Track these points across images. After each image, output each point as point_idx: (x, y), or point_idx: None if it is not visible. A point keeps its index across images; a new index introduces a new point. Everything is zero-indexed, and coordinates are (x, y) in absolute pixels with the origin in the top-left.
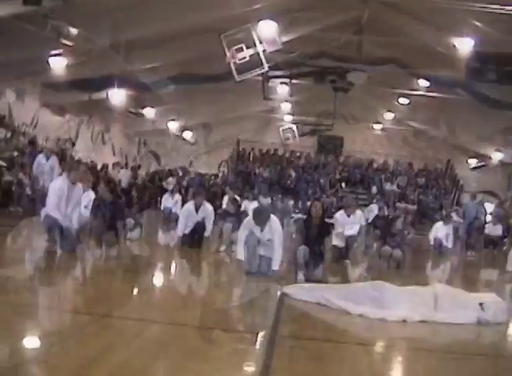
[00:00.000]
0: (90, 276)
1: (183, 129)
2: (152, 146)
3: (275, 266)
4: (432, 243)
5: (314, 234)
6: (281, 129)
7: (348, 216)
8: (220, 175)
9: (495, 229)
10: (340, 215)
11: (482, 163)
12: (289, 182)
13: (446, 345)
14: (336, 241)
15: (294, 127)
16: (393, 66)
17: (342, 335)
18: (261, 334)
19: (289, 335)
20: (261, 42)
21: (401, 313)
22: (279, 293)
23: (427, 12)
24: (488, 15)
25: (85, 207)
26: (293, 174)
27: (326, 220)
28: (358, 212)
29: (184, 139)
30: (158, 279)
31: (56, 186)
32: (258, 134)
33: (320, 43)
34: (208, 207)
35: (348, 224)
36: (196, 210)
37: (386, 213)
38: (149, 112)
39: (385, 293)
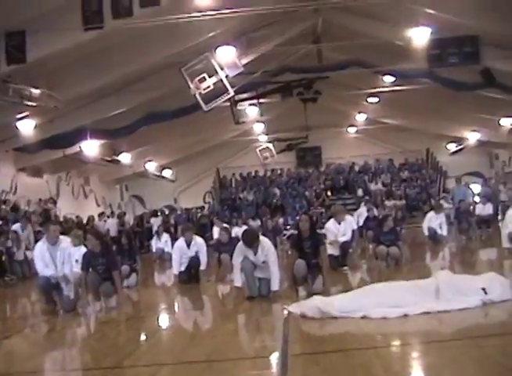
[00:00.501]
0: (95, 331)
1: (162, 168)
2: (134, 191)
3: (275, 287)
4: (427, 233)
5: (307, 247)
6: (258, 150)
7: (339, 223)
8: (206, 206)
9: (485, 209)
10: (330, 224)
11: (461, 146)
12: (275, 200)
13: (454, 332)
14: (331, 250)
15: (271, 145)
16: (356, 68)
17: (350, 342)
18: (273, 357)
19: (300, 353)
20: (222, 68)
21: (401, 309)
22: (284, 312)
23: (380, 10)
24: (439, 1)
25: (76, 261)
26: (278, 192)
27: (318, 231)
28: (348, 218)
29: (164, 177)
30: (162, 320)
31: (36, 251)
32: (237, 159)
33: (281, 58)
34: (199, 240)
35: (341, 231)
36: (188, 246)
37: (376, 213)
38: (124, 157)
39: (384, 291)
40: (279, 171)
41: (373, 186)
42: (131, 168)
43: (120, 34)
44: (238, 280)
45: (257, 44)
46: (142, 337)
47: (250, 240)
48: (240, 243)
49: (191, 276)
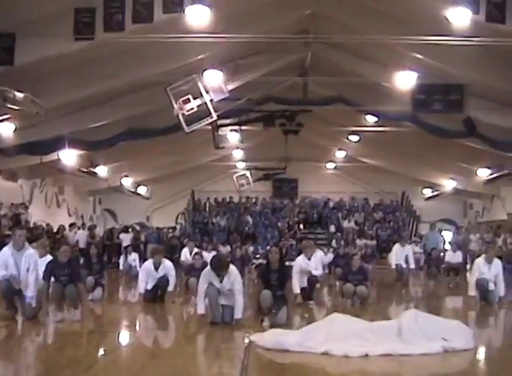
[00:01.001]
0: (54, 341)
1: (137, 185)
2: (107, 204)
3: (238, 315)
4: (393, 266)
5: (274, 280)
6: (235, 176)
7: (309, 259)
8: (178, 227)
9: (455, 257)
10: (300, 259)
11: (437, 192)
12: (247, 228)
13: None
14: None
15: (248, 173)
16: (340, 105)
17: None
18: None
19: None
20: (207, 92)
21: (363, 348)
22: (246, 341)
23: (370, 50)
24: (428, 47)
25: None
26: (251, 220)
27: (287, 263)
28: (318, 253)
29: (139, 194)
30: (123, 337)
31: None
32: (213, 183)
33: (266, 88)
34: (168, 264)
35: (311, 266)
36: (156, 269)
37: (344, 251)
38: (101, 170)
39: (346, 328)
40: (253, 200)
41: (345, 224)
42: (107, 182)
43: (110, 47)
44: (201, 307)
45: (245, 71)
46: (102, 352)
47: (220, 266)
48: (207, 268)
49: (157, 295)
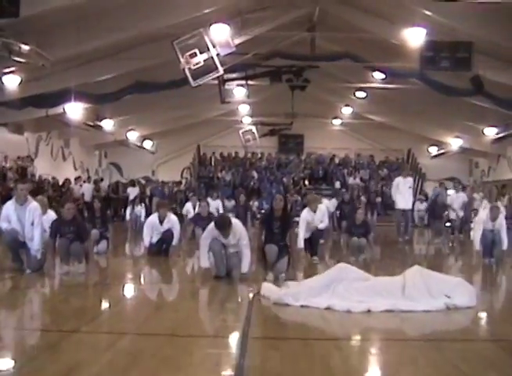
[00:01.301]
0: (59, 293)
1: (143, 139)
2: (113, 158)
3: (245, 269)
4: (398, 206)
5: (276, 227)
6: (241, 132)
7: (314, 212)
8: (183, 181)
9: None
10: (305, 213)
11: (442, 150)
12: (252, 183)
13: (415, 333)
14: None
15: (254, 128)
16: (347, 61)
17: (312, 332)
18: (233, 337)
19: (261, 336)
20: (214, 46)
21: (365, 304)
22: (250, 294)
23: (379, 6)
24: (438, 3)
25: (45, 231)
26: (256, 175)
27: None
28: (323, 206)
29: (144, 148)
30: (127, 290)
31: (3, 210)
32: (219, 138)
33: (273, 43)
34: (173, 217)
35: (317, 219)
36: (161, 222)
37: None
38: (107, 124)
39: (349, 283)
40: (259, 155)
41: (351, 180)
42: (113, 136)
43: None
44: (204, 261)
45: (252, 26)
46: (106, 304)
47: (223, 225)
48: (212, 225)
49: (161, 249)
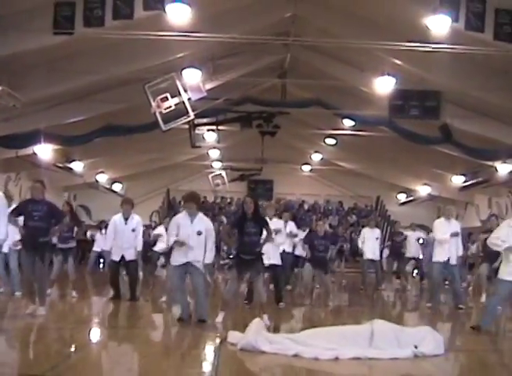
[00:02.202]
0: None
1: (113, 181)
2: (82, 200)
3: (208, 260)
4: (366, 256)
5: (251, 227)
6: (210, 176)
7: (270, 219)
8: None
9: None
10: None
11: (411, 197)
12: (220, 228)
13: None
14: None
15: (224, 173)
16: (318, 108)
17: None
18: None
19: None
20: (185, 91)
21: (333, 352)
22: (217, 341)
23: (348, 53)
24: (407, 53)
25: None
26: (225, 220)
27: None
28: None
29: (114, 191)
30: (93, 335)
31: None
32: (188, 182)
33: (244, 88)
34: (137, 217)
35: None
36: (125, 220)
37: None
38: (77, 166)
39: (316, 332)
40: (228, 200)
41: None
42: (82, 178)
43: (89, 42)
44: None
45: (223, 71)
46: (70, 349)
47: (191, 196)
48: (177, 215)
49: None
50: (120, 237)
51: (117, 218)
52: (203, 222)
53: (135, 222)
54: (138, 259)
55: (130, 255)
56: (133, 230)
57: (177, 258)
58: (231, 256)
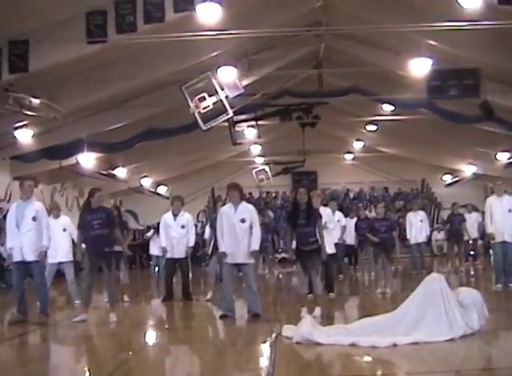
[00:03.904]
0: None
1: (157, 185)
2: (128, 206)
3: (255, 246)
4: (412, 241)
5: (303, 217)
6: (254, 172)
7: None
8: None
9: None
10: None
11: (457, 178)
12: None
13: (441, 364)
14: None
15: (267, 168)
16: (356, 95)
17: (337, 369)
18: None
19: None
20: (222, 89)
21: (391, 338)
22: (273, 335)
23: (383, 39)
24: (442, 33)
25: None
26: (272, 214)
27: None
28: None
29: (159, 194)
30: (149, 337)
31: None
32: (232, 179)
33: (281, 82)
34: (188, 214)
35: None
36: (175, 216)
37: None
38: (120, 172)
39: (372, 322)
40: (273, 194)
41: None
42: (127, 183)
43: (123, 48)
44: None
45: (259, 66)
46: (129, 352)
47: (234, 185)
48: (222, 208)
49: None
50: (171, 235)
51: (167, 215)
52: (246, 209)
53: (185, 218)
54: (188, 258)
55: (181, 253)
56: (183, 227)
57: (228, 257)
58: (280, 250)
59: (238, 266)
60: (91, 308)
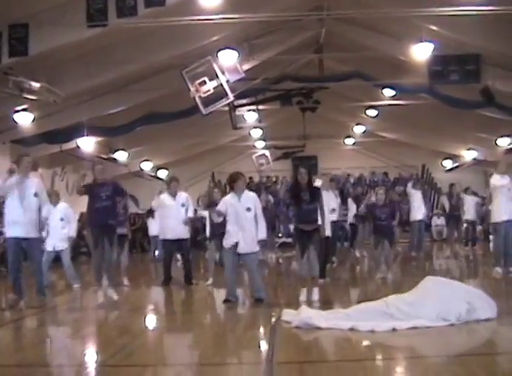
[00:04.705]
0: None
1: (157, 169)
2: (128, 190)
3: (263, 235)
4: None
5: (306, 197)
6: (254, 156)
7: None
8: (199, 209)
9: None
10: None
11: (457, 163)
12: (268, 207)
13: (440, 348)
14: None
15: (267, 152)
16: (357, 80)
17: (337, 354)
18: (258, 364)
19: (286, 361)
20: (223, 73)
21: (390, 323)
22: (272, 319)
23: (384, 23)
24: (443, 18)
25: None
26: (272, 199)
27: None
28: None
29: (159, 178)
30: (149, 321)
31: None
32: (232, 164)
33: (282, 66)
34: (185, 194)
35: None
36: (173, 197)
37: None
38: (121, 156)
39: (370, 306)
40: (274, 179)
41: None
42: (127, 167)
43: (124, 32)
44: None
45: (259, 51)
46: (128, 336)
47: (235, 175)
48: (225, 198)
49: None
50: (170, 215)
51: (164, 196)
52: (250, 198)
53: (184, 197)
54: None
55: (182, 233)
56: (183, 205)
57: (230, 241)
58: (280, 235)
59: (241, 254)
60: (89, 291)
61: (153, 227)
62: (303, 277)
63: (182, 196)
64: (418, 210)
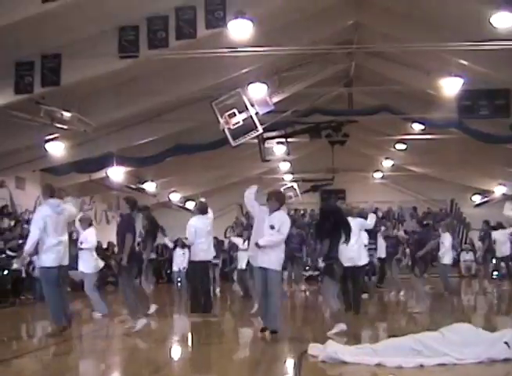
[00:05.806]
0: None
1: (185, 200)
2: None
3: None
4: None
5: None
6: (282, 189)
7: None
8: (227, 241)
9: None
10: None
11: (486, 198)
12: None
13: None
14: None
15: (295, 185)
16: (385, 114)
17: None
18: None
19: None
20: (252, 105)
21: (418, 359)
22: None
23: (413, 57)
24: (473, 53)
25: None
26: (295, 232)
27: None
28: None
29: (187, 209)
30: (174, 352)
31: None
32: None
33: (311, 99)
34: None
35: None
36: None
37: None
38: (149, 186)
39: (398, 342)
40: (302, 212)
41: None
42: (155, 198)
43: (155, 64)
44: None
45: (289, 83)
46: (153, 367)
47: (272, 193)
48: (262, 206)
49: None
50: (200, 237)
51: (194, 219)
52: (279, 218)
53: (211, 216)
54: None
55: (209, 254)
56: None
57: (251, 258)
58: (308, 268)
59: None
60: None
61: (177, 261)
62: (335, 311)
63: (210, 214)
64: (447, 253)
